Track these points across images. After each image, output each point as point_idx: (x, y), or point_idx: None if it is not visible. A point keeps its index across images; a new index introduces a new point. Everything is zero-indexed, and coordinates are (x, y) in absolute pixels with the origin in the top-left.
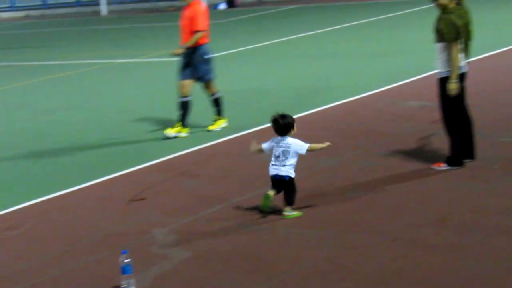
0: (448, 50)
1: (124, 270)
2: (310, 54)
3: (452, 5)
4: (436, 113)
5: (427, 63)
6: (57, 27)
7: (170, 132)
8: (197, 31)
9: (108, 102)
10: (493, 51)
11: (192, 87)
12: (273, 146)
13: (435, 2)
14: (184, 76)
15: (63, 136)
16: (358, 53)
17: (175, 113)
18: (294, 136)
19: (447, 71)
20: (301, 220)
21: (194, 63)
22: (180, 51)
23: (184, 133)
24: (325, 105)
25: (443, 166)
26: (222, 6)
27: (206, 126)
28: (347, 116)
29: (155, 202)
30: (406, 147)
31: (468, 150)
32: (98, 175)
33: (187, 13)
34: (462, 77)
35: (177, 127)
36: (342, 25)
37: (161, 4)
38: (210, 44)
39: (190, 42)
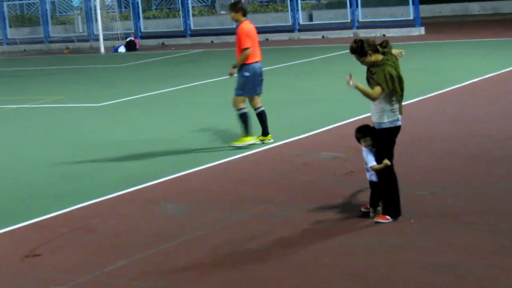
0: (385, 100)
1: None
2: (215, 102)
3: (380, 58)
4: (349, 164)
5: (338, 113)
6: None
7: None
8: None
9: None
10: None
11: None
12: None
13: (361, 60)
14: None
15: None
16: (265, 101)
17: (73, 165)
18: None
19: (384, 122)
20: (206, 279)
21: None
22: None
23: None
24: (231, 156)
25: (387, 219)
26: (122, 49)
27: (112, 173)
28: (255, 167)
29: (52, 259)
30: (318, 200)
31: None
32: None
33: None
34: (397, 129)
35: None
36: None
37: (55, 46)
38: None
39: (239, 61)
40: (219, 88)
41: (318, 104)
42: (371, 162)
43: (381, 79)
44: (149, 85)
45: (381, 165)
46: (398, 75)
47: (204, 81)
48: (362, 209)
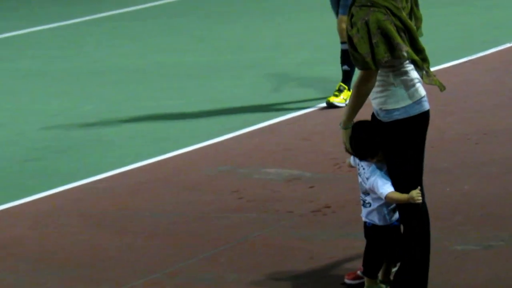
0: (392, 67)
1: None
2: (60, 68)
3: None
4: (321, 193)
5: (300, 90)
6: None
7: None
8: None
9: None
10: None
11: None
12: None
13: None
14: None
15: None
16: (163, 65)
17: None
18: None
19: (395, 109)
20: None
21: None
22: None
23: None
24: (91, 176)
25: None
26: None
27: None
28: (134, 199)
29: None
30: (260, 265)
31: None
32: None
33: None
34: (424, 120)
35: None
36: (118, 10)
37: None
38: None
39: None
40: (60, 41)
41: (261, 71)
42: (385, 187)
43: (362, 46)
44: None
45: (406, 196)
46: (405, 26)
47: (35, 28)
48: (347, 281)
